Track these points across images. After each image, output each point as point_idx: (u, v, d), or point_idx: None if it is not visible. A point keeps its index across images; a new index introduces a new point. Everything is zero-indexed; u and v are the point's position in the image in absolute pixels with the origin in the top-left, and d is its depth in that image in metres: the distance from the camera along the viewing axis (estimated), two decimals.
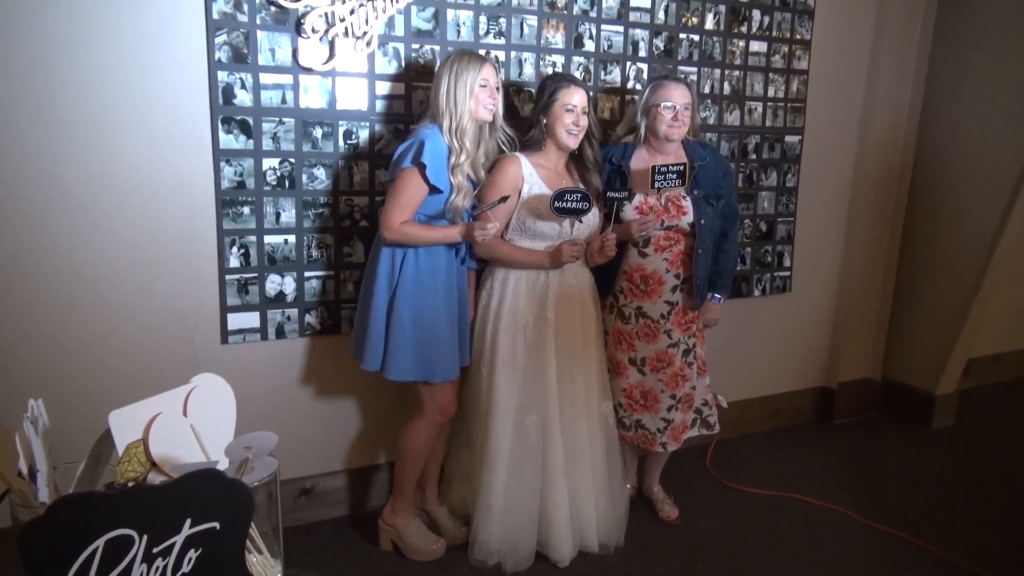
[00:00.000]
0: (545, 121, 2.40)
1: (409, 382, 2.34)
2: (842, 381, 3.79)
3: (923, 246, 3.74)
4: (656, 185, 2.44)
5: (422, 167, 2.16)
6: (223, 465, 0.85)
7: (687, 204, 2.57)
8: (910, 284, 3.82)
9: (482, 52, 2.62)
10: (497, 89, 2.30)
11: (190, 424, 0.86)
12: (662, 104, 2.52)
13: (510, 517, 2.44)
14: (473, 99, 2.22)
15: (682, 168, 2.43)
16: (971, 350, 3.81)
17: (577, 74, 2.83)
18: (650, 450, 2.77)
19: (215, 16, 2.25)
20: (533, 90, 2.70)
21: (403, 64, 2.52)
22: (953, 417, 3.84)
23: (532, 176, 2.41)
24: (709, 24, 3.08)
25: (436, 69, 2.36)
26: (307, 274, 2.53)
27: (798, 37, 3.31)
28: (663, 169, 2.43)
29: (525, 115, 2.65)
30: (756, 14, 3.18)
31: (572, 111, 2.38)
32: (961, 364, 3.76)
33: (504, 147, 2.45)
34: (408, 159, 2.19)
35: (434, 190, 2.22)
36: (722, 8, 3.09)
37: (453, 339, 2.34)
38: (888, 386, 3.94)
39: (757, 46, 3.22)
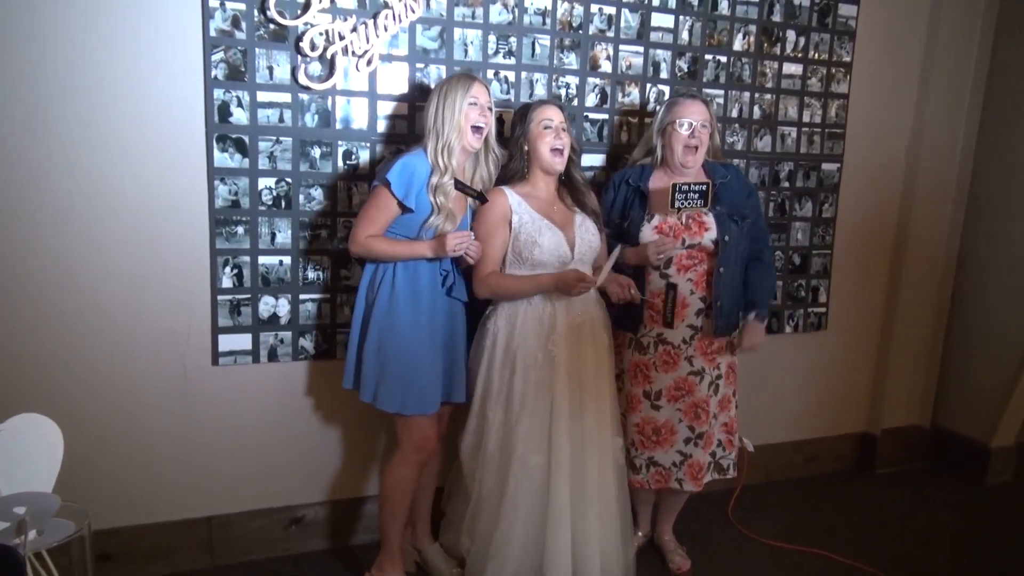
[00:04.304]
0: (527, 147, 2.29)
1: (390, 413, 2.23)
2: (886, 428, 3.50)
3: (979, 282, 3.45)
4: (676, 205, 2.29)
5: (387, 183, 2.11)
6: None
7: (709, 220, 2.41)
8: (964, 323, 3.52)
9: (490, 72, 2.54)
10: (490, 109, 2.21)
11: None
12: (677, 121, 2.38)
13: (518, 564, 2.28)
14: (463, 115, 2.14)
15: (704, 188, 2.29)
16: None
17: (592, 96, 2.71)
18: (665, 487, 2.56)
19: (212, 33, 2.22)
20: None
21: (407, 83, 2.46)
22: (1012, 472, 3.50)
23: (521, 205, 2.28)
24: (738, 45, 2.92)
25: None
26: (302, 296, 2.46)
27: (837, 59, 3.11)
28: (684, 187, 2.28)
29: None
30: (791, 35, 3.01)
31: (551, 127, 2.26)
32: (1021, 413, 3.43)
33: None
34: (378, 177, 2.17)
35: (404, 209, 2.14)
36: (752, 28, 2.93)
37: (434, 371, 2.23)
38: (938, 435, 3.62)
39: (792, 68, 3.04)
